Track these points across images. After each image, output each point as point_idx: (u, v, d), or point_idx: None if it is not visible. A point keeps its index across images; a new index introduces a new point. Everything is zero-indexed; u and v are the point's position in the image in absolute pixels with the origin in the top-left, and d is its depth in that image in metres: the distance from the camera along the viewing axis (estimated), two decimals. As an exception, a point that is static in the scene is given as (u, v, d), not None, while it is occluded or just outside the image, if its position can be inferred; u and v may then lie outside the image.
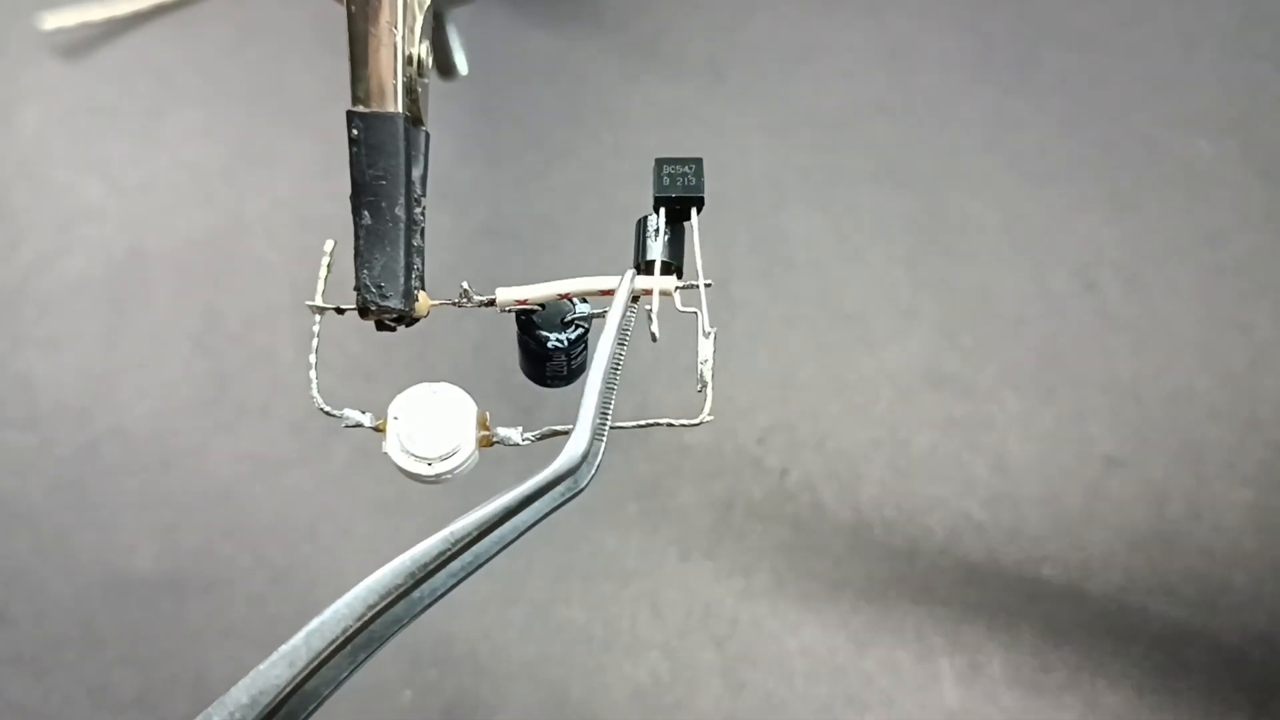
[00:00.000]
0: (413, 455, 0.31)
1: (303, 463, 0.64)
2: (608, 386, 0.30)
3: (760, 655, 0.59)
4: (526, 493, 0.28)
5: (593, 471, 0.29)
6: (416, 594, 0.27)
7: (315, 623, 0.26)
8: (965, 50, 0.78)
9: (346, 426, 0.32)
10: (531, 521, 0.28)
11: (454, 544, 0.27)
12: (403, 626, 0.27)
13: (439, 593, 0.27)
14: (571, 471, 0.28)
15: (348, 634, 0.26)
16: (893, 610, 0.60)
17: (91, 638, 0.59)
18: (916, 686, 0.58)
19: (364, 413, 0.32)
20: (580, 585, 0.60)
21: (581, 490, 0.29)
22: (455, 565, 0.27)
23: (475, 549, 0.28)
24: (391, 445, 0.31)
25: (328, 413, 0.32)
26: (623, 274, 0.33)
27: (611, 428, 0.30)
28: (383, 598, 0.26)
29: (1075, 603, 0.60)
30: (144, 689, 0.58)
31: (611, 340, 0.30)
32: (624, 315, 0.31)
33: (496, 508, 0.28)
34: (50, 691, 0.58)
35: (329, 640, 0.26)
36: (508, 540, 0.28)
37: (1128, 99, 0.76)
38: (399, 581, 0.26)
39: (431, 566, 0.27)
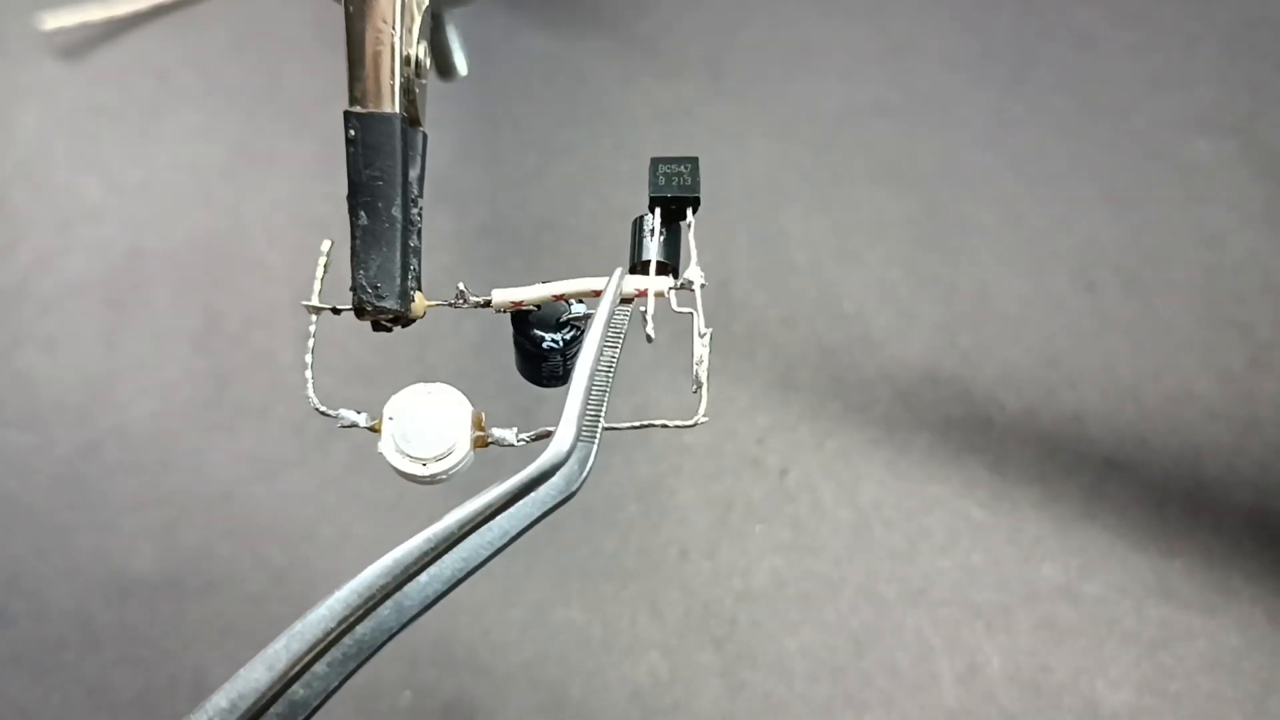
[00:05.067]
0: (408, 456, 0.31)
1: (302, 463, 0.64)
2: (600, 389, 0.29)
3: (759, 656, 0.59)
4: (509, 491, 0.27)
5: (584, 475, 0.28)
6: (407, 602, 0.26)
7: (297, 626, 0.25)
8: (965, 50, 0.78)
9: (342, 427, 0.32)
10: (523, 526, 0.28)
11: (435, 545, 0.26)
12: (393, 635, 0.26)
13: (429, 600, 0.27)
14: (556, 468, 0.28)
15: (330, 637, 0.25)
16: (892, 610, 0.60)
17: (91, 638, 0.59)
18: (915, 687, 0.58)
19: (360, 413, 0.32)
20: (579, 586, 0.60)
21: (574, 494, 0.28)
22: (445, 571, 0.27)
23: (464, 553, 0.27)
24: (386, 445, 0.31)
25: (323, 413, 0.32)
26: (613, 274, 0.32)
27: (607, 429, 0.30)
28: (365, 600, 0.26)
29: (1074, 603, 0.60)
30: (144, 689, 0.58)
31: (598, 338, 0.30)
32: (611, 313, 0.31)
33: (479, 506, 0.27)
34: (50, 691, 0.58)
35: (309, 644, 0.25)
36: (499, 546, 0.27)
37: (1128, 99, 0.76)
38: (382, 583, 0.26)
39: (414, 568, 0.26)
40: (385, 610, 0.26)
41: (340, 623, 0.25)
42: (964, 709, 0.58)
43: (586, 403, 0.29)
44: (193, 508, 0.62)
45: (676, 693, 0.58)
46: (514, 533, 0.28)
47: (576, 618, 0.60)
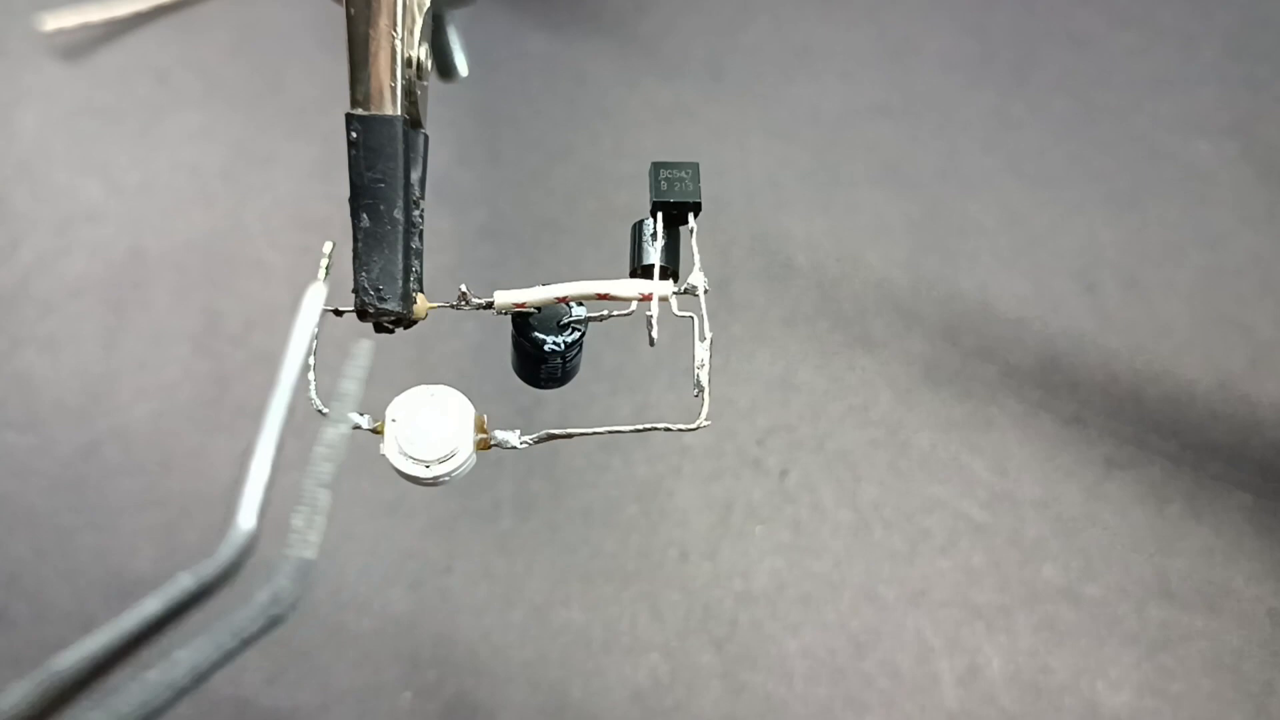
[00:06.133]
0: (411, 458, 0.31)
1: (302, 463, 0.63)
2: (320, 484, 0.24)
3: (760, 657, 0.59)
4: (156, 612, 0.22)
5: (298, 593, 0.23)
6: None
7: None
8: (965, 51, 0.78)
9: (344, 429, 0.32)
10: (217, 658, 0.22)
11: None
12: None
13: None
14: (231, 572, 0.22)
15: None
16: (892, 611, 0.60)
17: (91, 638, 0.59)
18: (916, 688, 0.58)
19: (362, 414, 0.32)
20: (579, 587, 0.60)
21: (282, 617, 0.23)
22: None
23: (142, 695, 0.20)
24: (389, 448, 0.31)
25: (325, 414, 0.32)
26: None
27: (610, 432, 0.30)
28: None
29: (1074, 604, 0.60)
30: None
31: (285, 401, 0.25)
32: (307, 365, 0.26)
33: (111, 635, 0.21)
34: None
35: None
36: (185, 686, 0.21)
37: (1128, 99, 0.76)
38: None
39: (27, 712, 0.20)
40: None
41: None
42: (964, 710, 0.58)
43: (271, 489, 0.24)
44: (193, 508, 0.62)
45: (677, 694, 0.58)
46: (206, 668, 0.21)
47: (577, 619, 0.60)
